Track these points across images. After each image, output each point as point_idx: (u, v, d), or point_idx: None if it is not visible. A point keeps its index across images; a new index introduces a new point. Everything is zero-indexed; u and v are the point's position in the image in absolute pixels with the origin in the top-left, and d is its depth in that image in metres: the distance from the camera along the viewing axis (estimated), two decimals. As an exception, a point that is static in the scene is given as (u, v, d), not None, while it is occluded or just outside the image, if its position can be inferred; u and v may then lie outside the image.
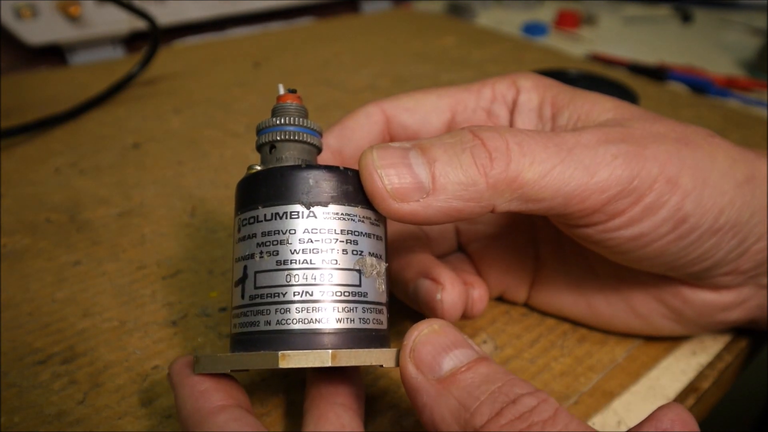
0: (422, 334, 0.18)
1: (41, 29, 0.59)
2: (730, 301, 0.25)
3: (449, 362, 0.18)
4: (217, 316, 0.29)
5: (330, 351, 0.17)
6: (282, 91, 0.22)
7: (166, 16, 0.66)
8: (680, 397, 0.26)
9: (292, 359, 0.17)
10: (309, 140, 0.21)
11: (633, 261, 0.23)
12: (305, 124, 0.21)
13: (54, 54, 0.63)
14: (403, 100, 0.26)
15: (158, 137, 0.47)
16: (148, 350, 0.27)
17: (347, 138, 0.26)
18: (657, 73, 0.60)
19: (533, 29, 0.76)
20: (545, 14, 0.85)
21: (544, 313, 0.29)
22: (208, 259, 0.33)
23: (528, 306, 0.30)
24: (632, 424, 0.25)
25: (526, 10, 0.88)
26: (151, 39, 0.53)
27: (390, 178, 0.19)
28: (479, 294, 0.26)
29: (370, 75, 0.60)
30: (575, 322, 0.29)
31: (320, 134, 0.22)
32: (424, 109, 0.26)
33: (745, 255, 0.23)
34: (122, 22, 0.63)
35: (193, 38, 0.72)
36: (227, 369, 0.19)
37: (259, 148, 0.22)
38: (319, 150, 0.22)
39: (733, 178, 0.21)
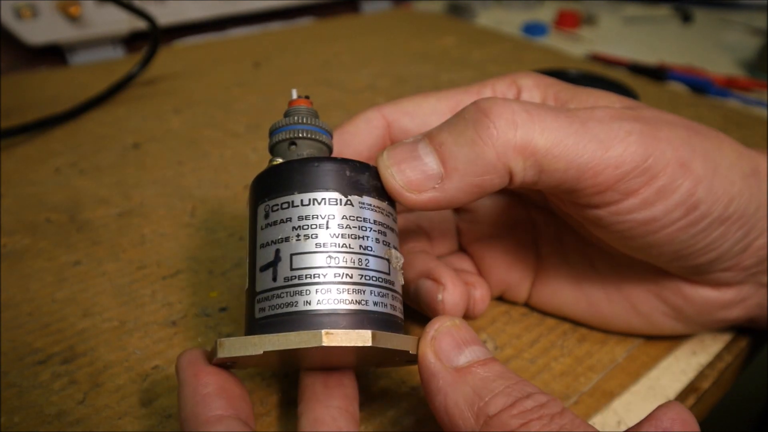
0: (444, 325, 0.19)
1: (41, 29, 0.59)
2: (730, 299, 0.25)
3: (466, 356, 0.18)
4: (217, 316, 0.29)
5: (370, 332, 0.18)
6: (295, 95, 0.23)
7: (166, 16, 0.66)
8: (680, 397, 0.26)
9: (336, 338, 0.18)
10: (325, 140, 0.22)
11: (640, 248, 0.23)
12: (321, 125, 0.22)
13: (54, 54, 0.63)
14: (403, 104, 0.26)
15: (158, 137, 0.47)
16: (148, 350, 0.27)
17: (346, 143, 0.26)
18: (657, 73, 0.60)
19: (533, 29, 0.76)
20: (545, 14, 0.85)
21: (545, 313, 0.29)
22: (208, 259, 0.33)
23: (528, 306, 0.30)
24: (632, 424, 0.25)
25: (526, 10, 0.88)
26: (151, 39, 0.53)
27: (402, 173, 0.20)
28: (481, 294, 0.26)
29: (370, 75, 0.60)
30: (576, 322, 0.29)
31: (331, 135, 0.23)
32: (423, 112, 0.26)
33: (748, 250, 0.23)
34: (122, 22, 0.63)
35: (193, 38, 0.72)
36: (260, 350, 0.18)
37: (277, 144, 0.22)
38: (330, 150, 0.23)
39: (740, 170, 0.22)
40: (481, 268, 0.29)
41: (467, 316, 0.26)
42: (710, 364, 0.27)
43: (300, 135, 0.22)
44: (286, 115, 0.22)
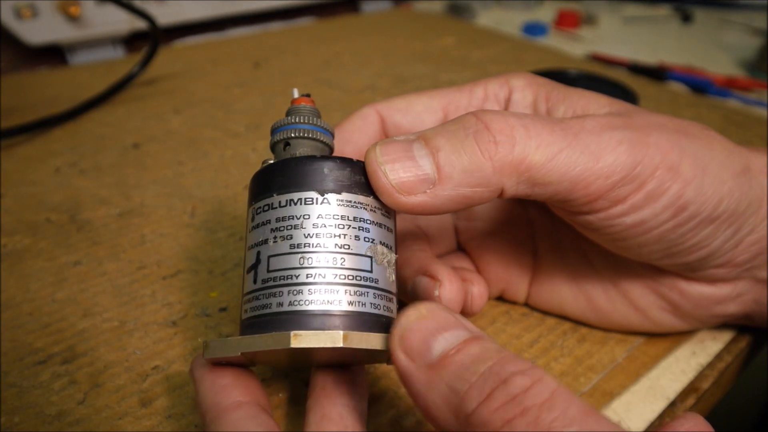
0: (410, 320, 0.17)
1: (41, 29, 0.59)
2: (725, 295, 0.25)
3: (439, 346, 0.16)
4: (217, 316, 0.29)
5: (341, 332, 0.18)
6: (296, 94, 0.23)
7: (166, 16, 0.66)
8: (680, 397, 0.26)
9: (304, 339, 0.17)
10: (321, 138, 0.22)
11: (629, 248, 0.23)
12: (319, 123, 0.22)
13: (54, 54, 0.63)
14: (396, 102, 0.26)
15: (158, 137, 0.47)
16: (148, 350, 0.27)
17: (346, 140, 0.26)
18: (657, 73, 0.60)
19: (533, 29, 0.76)
20: (545, 14, 0.85)
21: (545, 313, 0.29)
22: (208, 259, 0.33)
23: (528, 306, 0.30)
24: (632, 424, 0.25)
25: (526, 10, 0.88)
26: (151, 39, 0.53)
27: (395, 172, 0.19)
28: (478, 290, 0.26)
29: (370, 75, 0.60)
30: (576, 321, 0.29)
31: (332, 134, 0.23)
32: (416, 110, 0.26)
33: (740, 246, 0.23)
34: (122, 22, 0.63)
35: (193, 38, 0.72)
36: (237, 352, 0.18)
37: (274, 145, 0.22)
38: (330, 149, 0.23)
39: (731, 168, 0.22)
40: (479, 266, 0.29)
41: (465, 312, 0.26)
42: (710, 364, 0.27)
43: (293, 135, 0.21)
44: (287, 114, 0.22)
